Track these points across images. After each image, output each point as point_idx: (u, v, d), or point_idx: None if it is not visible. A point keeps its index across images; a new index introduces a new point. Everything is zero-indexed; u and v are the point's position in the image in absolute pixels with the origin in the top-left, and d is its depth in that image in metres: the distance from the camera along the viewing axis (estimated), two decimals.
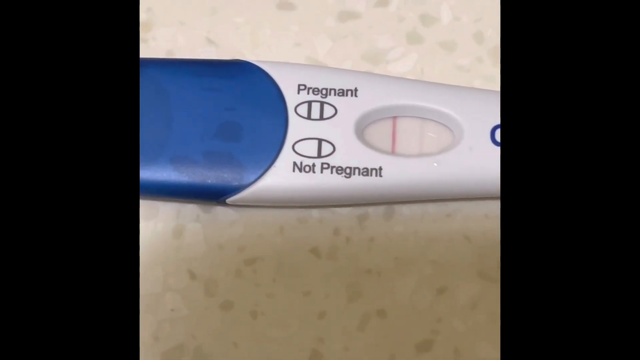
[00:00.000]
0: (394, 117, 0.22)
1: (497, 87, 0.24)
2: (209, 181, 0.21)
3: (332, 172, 0.21)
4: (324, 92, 0.22)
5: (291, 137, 0.22)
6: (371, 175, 0.21)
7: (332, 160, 0.21)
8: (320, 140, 0.22)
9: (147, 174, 0.21)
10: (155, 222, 0.23)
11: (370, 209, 0.23)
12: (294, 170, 0.21)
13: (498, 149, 0.22)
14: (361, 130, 0.22)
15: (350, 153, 0.22)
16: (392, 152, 0.22)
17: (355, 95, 0.22)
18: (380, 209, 0.23)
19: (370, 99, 0.22)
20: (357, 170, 0.21)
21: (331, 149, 0.22)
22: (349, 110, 0.22)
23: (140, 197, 0.23)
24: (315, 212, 0.23)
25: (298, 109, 0.22)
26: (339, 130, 0.22)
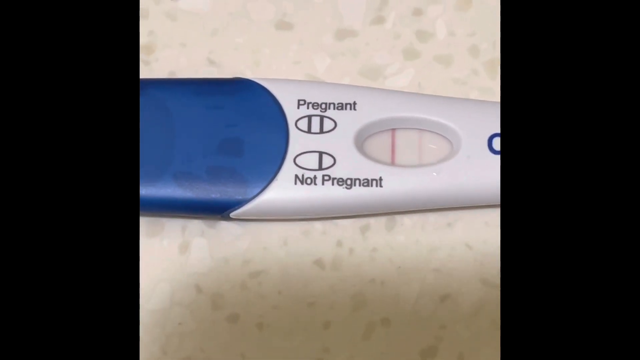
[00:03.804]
0: (393, 129, 0.23)
1: (493, 98, 0.24)
2: (213, 196, 0.22)
3: (333, 184, 0.22)
4: (323, 106, 0.22)
5: (292, 150, 0.22)
6: (372, 185, 0.22)
7: (333, 172, 0.22)
8: (320, 153, 0.22)
9: (152, 190, 0.22)
10: (161, 238, 0.23)
11: (372, 220, 0.23)
12: (295, 183, 0.22)
13: (496, 157, 0.22)
14: (361, 142, 0.22)
15: (350, 165, 0.22)
16: (392, 163, 0.23)
17: (354, 109, 0.23)
18: (382, 220, 0.23)
19: (369, 112, 0.23)
20: (357, 181, 0.22)
21: (332, 161, 0.22)
22: (348, 123, 0.22)
23: (146, 214, 0.23)
24: (318, 225, 0.23)
25: (298, 124, 0.22)
26: (339, 142, 0.22)
